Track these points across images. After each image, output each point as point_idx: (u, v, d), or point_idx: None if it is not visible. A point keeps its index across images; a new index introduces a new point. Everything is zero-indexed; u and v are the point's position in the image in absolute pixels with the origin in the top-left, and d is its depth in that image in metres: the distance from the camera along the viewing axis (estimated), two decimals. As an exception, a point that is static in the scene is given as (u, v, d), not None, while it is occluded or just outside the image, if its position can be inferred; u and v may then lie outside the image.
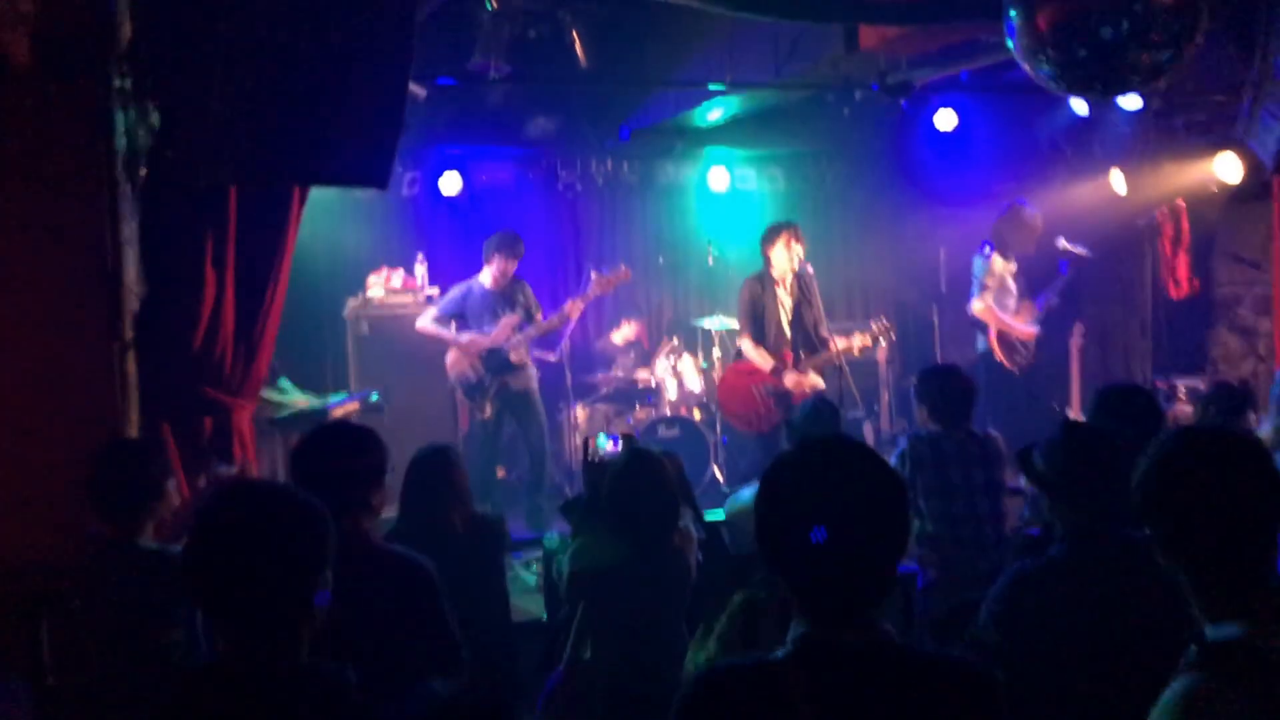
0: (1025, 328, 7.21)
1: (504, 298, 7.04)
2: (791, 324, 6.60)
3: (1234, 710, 1.61)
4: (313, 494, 2.78)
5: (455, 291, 7.17)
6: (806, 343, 6.63)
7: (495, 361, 6.96)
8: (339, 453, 2.87)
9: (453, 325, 7.14)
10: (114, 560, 3.23)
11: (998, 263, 7.16)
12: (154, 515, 3.35)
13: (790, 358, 6.59)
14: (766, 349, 6.63)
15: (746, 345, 6.71)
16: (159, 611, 3.17)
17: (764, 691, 1.64)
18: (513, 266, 7.04)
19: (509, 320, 6.95)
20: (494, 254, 6.98)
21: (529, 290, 7.20)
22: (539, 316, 7.10)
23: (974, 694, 1.67)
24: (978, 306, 7.18)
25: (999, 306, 7.18)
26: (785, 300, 6.61)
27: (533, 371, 7.18)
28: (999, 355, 7.18)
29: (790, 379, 6.56)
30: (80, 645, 3.24)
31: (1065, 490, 2.74)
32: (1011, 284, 7.28)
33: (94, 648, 3.20)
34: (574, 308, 7.07)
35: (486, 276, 7.05)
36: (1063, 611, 2.56)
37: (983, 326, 7.27)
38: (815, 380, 6.59)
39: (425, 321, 7.11)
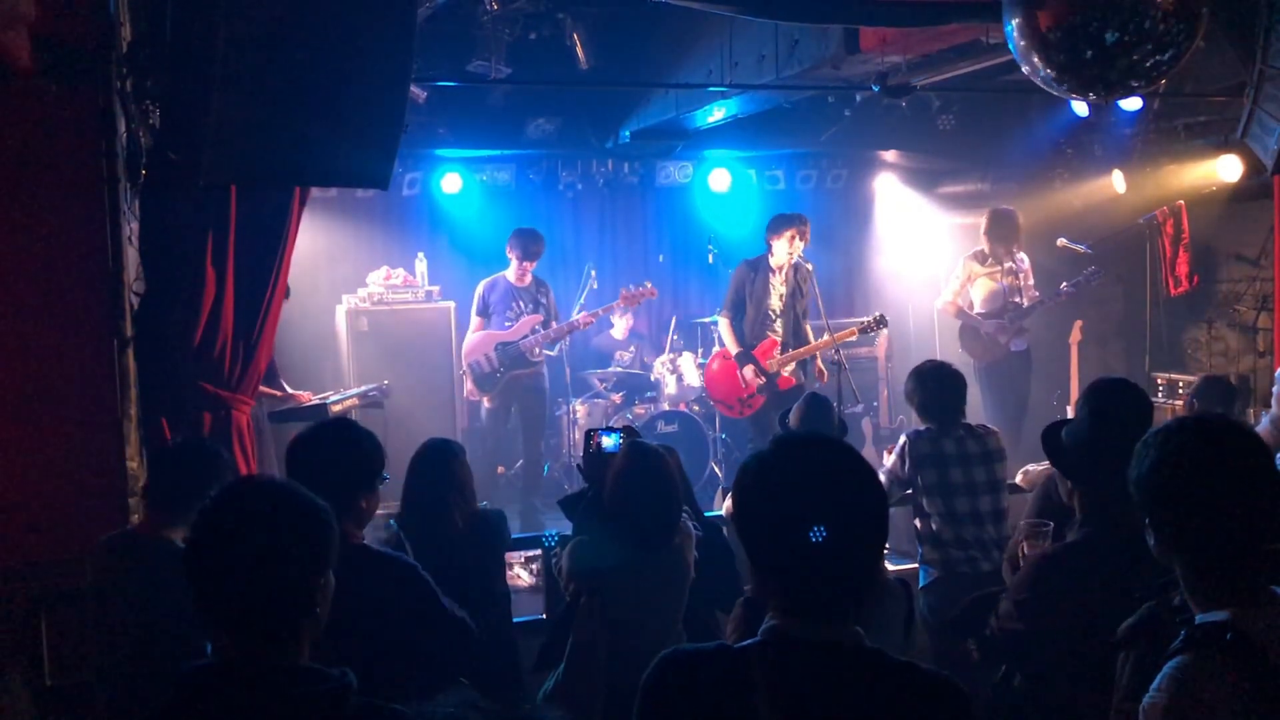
0: (986, 322, 7.44)
1: (526, 295, 7.26)
2: (784, 313, 6.73)
3: (1220, 686, 1.63)
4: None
5: (482, 285, 7.36)
6: (796, 333, 6.77)
7: (509, 355, 7.09)
8: (333, 452, 2.86)
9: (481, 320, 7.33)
10: (151, 557, 3.14)
11: (973, 266, 7.52)
12: None
13: (776, 344, 6.70)
14: (744, 332, 6.76)
15: (722, 324, 6.92)
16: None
17: (724, 676, 1.64)
18: (529, 267, 7.22)
19: (530, 319, 7.17)
20: (509, 250, 7.23)
21: (551, 295, 7.40)
22: (554, 322, 7.28)
23: (941, 704, 1.64)
24: (938, 303, 7.75)
25: (977, 302, 7.50)
26: (780, 289, 6.68)
27: (545, 370, 7.35)
28: (960, 344, 7.61)
29: (748, 371, 6.68)
30: (83, 644, 3.22)
31: (1088, 473, 2.69)
32: (986, 284, 7.47)
33: (122, 647, 3.13)
34: (586, 319, 7.30)
35: (511, 272, 7.26)
36: (1085, 595, 2.53)
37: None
38: (785, 377, 6.69)
39: (469, 336, 7.27)
